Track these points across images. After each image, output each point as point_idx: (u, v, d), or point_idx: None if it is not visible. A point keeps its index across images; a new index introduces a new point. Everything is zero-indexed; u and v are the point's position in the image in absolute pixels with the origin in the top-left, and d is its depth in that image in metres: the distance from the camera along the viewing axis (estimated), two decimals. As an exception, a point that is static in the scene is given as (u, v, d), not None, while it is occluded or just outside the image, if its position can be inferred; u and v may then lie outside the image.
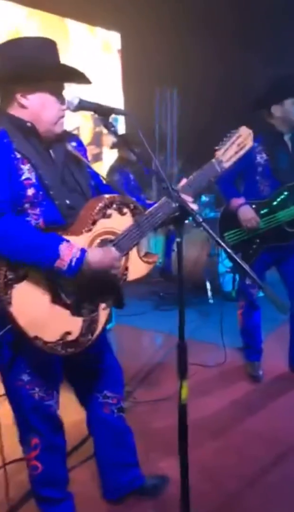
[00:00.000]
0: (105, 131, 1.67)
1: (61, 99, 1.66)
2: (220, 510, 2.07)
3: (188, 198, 1.65)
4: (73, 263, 1.52)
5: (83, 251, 1.56)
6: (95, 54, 6.44)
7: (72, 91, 1.68)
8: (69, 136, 1.81)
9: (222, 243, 1.51)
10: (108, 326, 3.78)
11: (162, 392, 2.92)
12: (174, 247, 4.79)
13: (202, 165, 1.76)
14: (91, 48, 6.37)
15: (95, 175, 1.85)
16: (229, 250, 1.48)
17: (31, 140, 1.64)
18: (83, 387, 1.97)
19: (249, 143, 1.85)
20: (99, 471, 2.09)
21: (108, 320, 1.79)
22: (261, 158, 2.82)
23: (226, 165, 1.79)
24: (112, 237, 1.68)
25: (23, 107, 1.63)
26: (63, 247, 1.52)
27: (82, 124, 5.79)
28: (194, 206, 1.61)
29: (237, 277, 4.39)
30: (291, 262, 3.03)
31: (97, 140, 6.52)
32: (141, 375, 3.25)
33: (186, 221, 1.70)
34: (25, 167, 1.58)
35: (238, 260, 1.48)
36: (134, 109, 6.44)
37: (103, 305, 1.72)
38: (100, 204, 1.65)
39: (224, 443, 2.53)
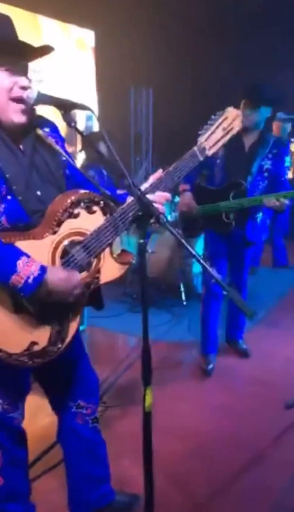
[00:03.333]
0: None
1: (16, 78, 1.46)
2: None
3: (164, 195, 1.54)
4: (30, 281, 1.42)
5: (42, 269, 1.45)
6: (69, 52, 6.35)
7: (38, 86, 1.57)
8: (42, 121, 1.65)
9: (186, 244, 1.42)
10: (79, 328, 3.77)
11: (133, 395, 2.87)
12: (148, 248, 4.74)
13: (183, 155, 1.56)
14: (64, 45, 6.28)
15: (70, 165, 1.68)
16: (193, 251, 1.42)
17: None
18: (56, 395, 1.86)
19: (237, 126, 1.59)
20: (68, 483, 1.98)
21: (79, 324, 1.69)
22: (221, 151, 2.91)
23: (210, 152, 1.57)
24: (80, 238, 1.54)
25: None
26: (21, 263, 1.42)
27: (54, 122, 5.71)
28: (160, 207, 1.51)
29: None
30: (238, 254, 3.29)
31: (71, 138, 6.42)
32: (111, 378, 3.19)
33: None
34: None
35: (202, 261, 1.43)
36: (108, 108, 6.37)
37: (71, 313, 1.60)
38: (66, 203, 1.51)
39: (194, 448, 2.49)
